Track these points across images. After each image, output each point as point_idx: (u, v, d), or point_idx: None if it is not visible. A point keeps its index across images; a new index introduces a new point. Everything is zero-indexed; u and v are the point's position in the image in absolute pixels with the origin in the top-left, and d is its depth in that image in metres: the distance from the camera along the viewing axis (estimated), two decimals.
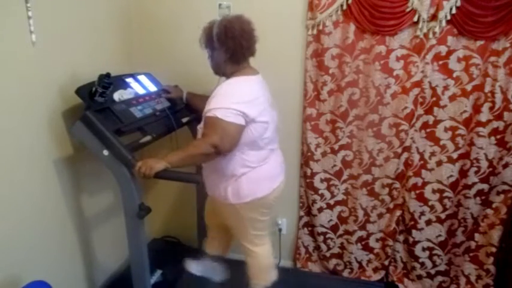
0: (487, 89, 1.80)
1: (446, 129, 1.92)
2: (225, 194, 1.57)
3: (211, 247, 2.04)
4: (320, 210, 2.20)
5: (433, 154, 1.98)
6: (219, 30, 1.46)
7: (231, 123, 1.41)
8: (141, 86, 1.86)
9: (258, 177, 1.57)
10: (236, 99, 1.44)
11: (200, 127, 1.55)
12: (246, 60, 1.56)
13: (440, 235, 2.08)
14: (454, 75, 1.84)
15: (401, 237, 2.20)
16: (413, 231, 2.11)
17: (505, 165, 1.88)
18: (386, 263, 2.23)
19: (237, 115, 1.41)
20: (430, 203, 2.04)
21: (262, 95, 1.55)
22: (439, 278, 2.16)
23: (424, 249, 2.12)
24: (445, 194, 2.01)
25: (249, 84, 1.53)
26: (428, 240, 2.10)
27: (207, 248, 2.05)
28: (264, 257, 1.79)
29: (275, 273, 1.83)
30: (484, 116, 1.84)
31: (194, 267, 2.08)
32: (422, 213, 2.07)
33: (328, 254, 2.29)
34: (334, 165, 2.12)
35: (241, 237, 1.75)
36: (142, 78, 1.91)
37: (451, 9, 1.71)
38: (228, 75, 1.56)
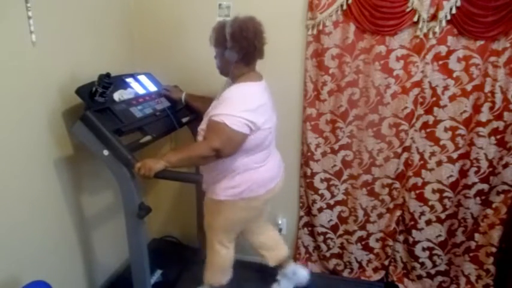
0: (487, 89, 1.80)
1: (446, 129, 1.92)
2: (219, 191, 1.58)
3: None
4: (320, 210, 2.20)
5: (433, 154, 1.98)
6: (233, 30, 1.45)
7: (237, 132, 1.42)
8: (141, 86, 1.86)
9: (256, 177, 1.59)
10: (245, 106, 1.45)
11: (201, 128, 1.55)
12: (255, 62, 1.57)
13: (440, 235, 2.08)
14: (454, 75, 1.84)
15: (401, 237, 2.20)
16: (413, 231, 2.11)
17: (505, 165, 1.88)
18: (386, 263, 2.23)
19: (244, 125, 1.43)
20: (430, 203, 2.04)
21: (267, 101, 1.56)
22: (439, 278, 2.16)
23: (424, 249, 2.12)
24: (445, 194, 2.01)
25: (256, 91, 1.53)
26: (428, 240, 2.10)
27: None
28: (226, 260, 1.79)
29: (229, 277, 1.83)
30: (484, 116, 1.84)
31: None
32: (422, 213, 2.07)
33: (328, 254, 2.29)
34: (334, 165, 2.12)
35: (214, 235, 1.74)
36: (142, 78, 1.91)
37: (451, 9, 1.71)
38: (234, 77, 1.56)
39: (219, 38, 1.50)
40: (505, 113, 1.81)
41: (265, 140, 1.55)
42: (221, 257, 1.78)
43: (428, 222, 2.07)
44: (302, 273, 1.98)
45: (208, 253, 1.80)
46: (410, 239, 2.13)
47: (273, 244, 1.97)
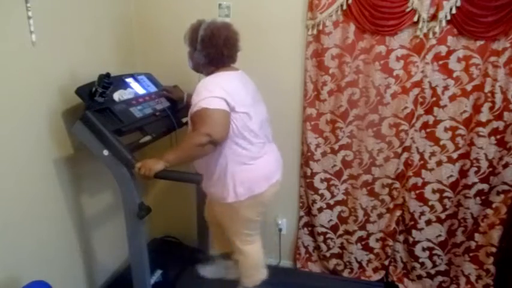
0: (487, 89, 1.80)
1: (446, 129, 1.92)
2: (222, 194, 1.58)
3: (216, 245, 2.07)
4: (320, 210, 2.20)
5: (433, 154, 1.97)
6: (205, 34, 1.49)
7: (217, 110, 1.42)
8: (141, 86, 1.86)
9: (254, 174, 1.58)
10: (216, 87, 1.46)
11: (190, 130, 1.57)
12: (227, 65, 1.59)
13: (440, 235, 2.08)
14: (454, 75, 1.84)
15: (401, 237, 2.20)
16: (413, 231, 2.11)
17: (505, 165, 1.88)
18: (386, 263, 2.23)
19: (220, 101, 1.43)
20: (430, 203, 2.04)
21: (243, 88, 1.56)
22: (439, 278, 2.16)
23: (424, 249, 2.12)
24: (445, 194, 2.01)
25: (227, 78, 1.55)
26: (428, 240, 2.10)
27: (213, 246, 2.08)
28: (254, 256, 1.80)
29: (265, 272, 1.85)
30: (484, 116, 1.84)
31: (208, 270, 2.10)
32: (422, 213, 2.07)
33: (328, 254, 2.29)
34: (334, 165, 2.12)
35: (233, 235, 1.76)
36: (142, 78, 1.91)
37: (451, 9, 1.71)
38: (206, 74, 1.59)
39: (192, 38, 1.54)
40: (505, 113, 1.81)
41: (248, 127, 1.53)
42: (249, 256, 1.79)
43: (428, 222, 2.07)
44: (233, 271, 2.00)
45: (238, 257, 1.81)
46: (410, 239, 2.13)
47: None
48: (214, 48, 1.50)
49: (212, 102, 1.42)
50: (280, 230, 2.32)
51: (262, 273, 1.84)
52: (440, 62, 1.84)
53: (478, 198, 1.96)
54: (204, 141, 1.40)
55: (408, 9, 1.75)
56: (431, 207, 2.05)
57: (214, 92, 1.44)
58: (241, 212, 1.63)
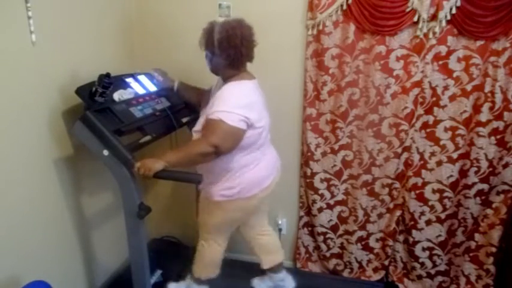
0: (487, 89, 1.80)
1: (446, 129, 1.92)
2: (215, 192, 1.60)
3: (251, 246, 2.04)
4: (320, 210, 2.20)
5: (433, 154, 1.97)
6: (221, 37, 1.46)
7: (234, 127, 1.43)
8: (141, 86, 1.86)
9: (251, 177, 1.60)
10: (239, 103, 1.46)
11: (195, 130, 1.58)
12: (244, 66, 1.59)
13: (440, 235, 2.08)
14: (454, 75, 1.84)
15: (401, 237, 2.20)
16: (413, 231, 2.11)
17: (505, 165, 1.88)
18: (386, 263, 2.23)
19: (240, 120, 1.44)
20: (430, 203, 2.04)
21: (259, 100, 1.58)
22: (439, 278, 2.16)
23: (424, 249, 2.12)
24: (445, 194, 2.01)
25: (248, 89, 1.55)
26: (428, 240, 2.10)
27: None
28: (214, 254, 1.82)
29: (217, 272, 1.85)
30: (484, 116, 1.84)
31: (261, 284, 2.06)
32: (422, 213, 2.07)
33: (328, 254, 2.29)
34: (334, 165, 2.12)
35: (205, 228, 1.78)
36: (142, 78, 1.91)
37: (451, 9, 1.71)
38: (225, 78, 1.58)
39: (208, 42, 1.53)
40: (505, 113, 1.81)
41: (259, 139, 1.56)
42: (212, 252, 1.80)
43: (428, 222, 2.07)
44: (289, 283, 2.01)
45: (199, 247, 1.83)
46: (410, 239, 2.13)
47: (271, 248, 1.97)
48: (234, 50, 1.47)
49: (231, 118, 1.42)
50: (280, 230, 2.32)
51: (214, 273, 1.85)
52: (440, 62, 1.84)
53: (478, 198, 1.96)
54: (209, 151, 1.42)
55: (408, 9, 1.75)
56: (431, 207, 2.05)
57: (236, 108, 1.44)
58: (226, 212, 1.65)
